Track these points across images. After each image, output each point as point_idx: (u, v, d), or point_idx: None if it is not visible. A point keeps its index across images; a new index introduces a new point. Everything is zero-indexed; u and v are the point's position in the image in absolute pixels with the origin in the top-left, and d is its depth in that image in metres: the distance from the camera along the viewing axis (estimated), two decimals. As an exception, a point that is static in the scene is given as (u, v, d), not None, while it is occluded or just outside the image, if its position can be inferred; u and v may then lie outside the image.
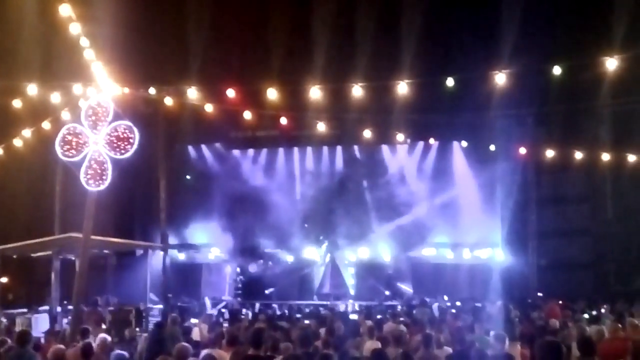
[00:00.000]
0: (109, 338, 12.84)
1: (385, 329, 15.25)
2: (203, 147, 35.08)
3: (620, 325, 12.86)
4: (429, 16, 22.57)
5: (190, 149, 34.66)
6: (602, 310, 21.15)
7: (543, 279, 30.23)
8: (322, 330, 14.32)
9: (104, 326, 19.83)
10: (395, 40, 22.28)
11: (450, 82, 18.39)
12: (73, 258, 23.51)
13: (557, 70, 17.91)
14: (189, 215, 33.14)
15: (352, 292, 32.45)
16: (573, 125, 28.22)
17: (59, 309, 23.46)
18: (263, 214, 33.30)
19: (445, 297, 28.37)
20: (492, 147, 26.84)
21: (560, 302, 23.35)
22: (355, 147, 34.11)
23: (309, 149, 34.84)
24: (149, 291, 24.32)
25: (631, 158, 24.73)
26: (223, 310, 26.93)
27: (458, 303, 27.04)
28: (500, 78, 17.88)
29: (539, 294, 28.34)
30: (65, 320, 21.30)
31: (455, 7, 24.10)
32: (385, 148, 33.75)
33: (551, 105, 26.16)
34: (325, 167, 34.96)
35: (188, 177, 34.05)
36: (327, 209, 33.44)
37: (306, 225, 34.10)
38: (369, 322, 16.18)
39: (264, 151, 35.43)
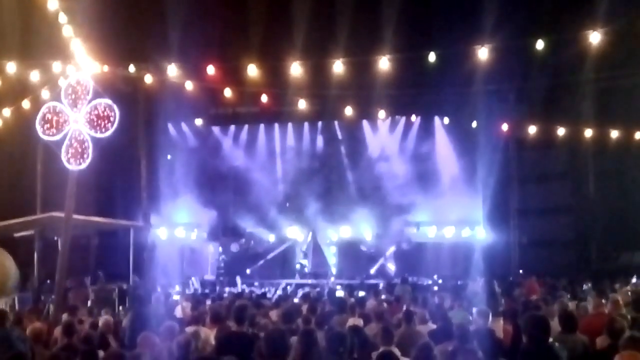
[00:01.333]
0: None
1: (368, 306, 15.29)
2: (183, 124, 34.85)
3: (603, 301, 12.93)
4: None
5: (170, 126, 34.40)
6: (585, 287, 21.27)
7: (525, 257, 30.39)
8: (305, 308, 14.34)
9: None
10: (376, 15, 22.19)
11: (431, 57, 18.31)
12: (55, 238, 23.36)
13: (539, 44, 17.86)
14: (171, 194, 32.94)
15: (333, 270, 32.49)
16: (555, 101, 28.28)
17: (42, 288, 23.35)
18: (244, 193, 33.28)
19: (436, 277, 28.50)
20: (474, 124, 26.86)
21: (536, 277, 23.51)
22: (337, 125, 34.01)
23: (290, 126, 34.71)
24: (132, 270, 24.25)
25: (614, 134, 24.83)
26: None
27: (440, 281, 27.18)
28: (482, 53, 17.82)
29: (520, 272, 28.52)
30: (49, 299, 21.20)
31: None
32: (366, 125, 33.69)
33: (533, 81, 26.13)
34: (307, 145, 34.88)
35: (169, 156, 33.83)
36: (308, 187, 33.38)
37: (287, 204, 34.08)
38: (351, 300, 16.23)
39: (245, 128, 35.26)
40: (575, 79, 25.59)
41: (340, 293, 21.40)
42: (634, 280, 22.03)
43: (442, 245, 31.70)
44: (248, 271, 31.93)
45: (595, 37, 16.86)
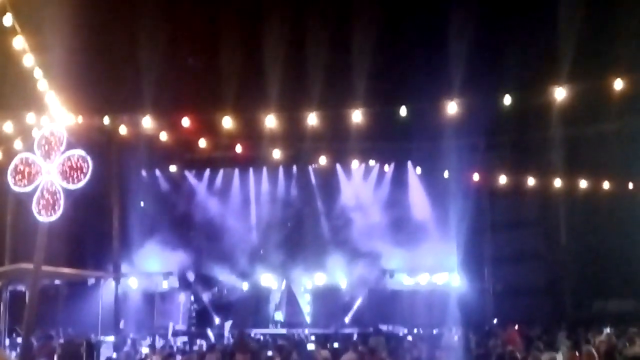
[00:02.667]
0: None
1: (344, 358, 15.22)
2: (157, 171, 34.70)
3: (577, 354, 12.95)
4: (382, 46, 22.82)
5: (144, 173, 34.21)
6: (560, 337, 21.27)
7: (499, 305, 30.41)
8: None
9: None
10: (349, 69, 22.48)
11: (403, 111, 18.54)
12: (23, 289, 23.04)
13: (507, 99, 18.20)
14: (143, 242, 32.67)
15: (308, 319, 32.28)
16: (525, 150, 28.66)
17: (7, 341, 22.92)
18: (218, 240, 33.09)
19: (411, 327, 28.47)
20: (446, 174, 27.09)
21: (517, 327, 23.52)
22: (311, 172, 34.06)
23: (265, 172, 34.68)
24: (100, 323, 23.90)
25: (582, 183, 25.20)
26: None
27: (415, 330, 27.10)
28: (452, 107, 18.13)
29: (495, 321, 28.53)
30: (14, 354, 20.81)
31: (407, 38, 24.43)
32: (340, 172, 33.76)
33: (503, 132, 26.52)
34: (281, 192, 34.84)
35: (142, 203, 33.62)
36: (282, 234, 33.31)
37: (261, 251, 33.92)
38: (325, 352, 16.14)
39: (220, 173, 35.16)
40: (543, 131, 25.98)
41: (311, 346, 21.23)
42: (607, 330, 22.08)
43: (416, 293, 31.62)
44: (221, 321, 31.58)
45: (560, 93, 17.28)
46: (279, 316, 32.26)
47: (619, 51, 21.72)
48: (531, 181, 25.66)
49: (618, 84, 17.28)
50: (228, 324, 30.69)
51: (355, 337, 24.18)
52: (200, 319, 31.79)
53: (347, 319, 31.35)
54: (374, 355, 16.46)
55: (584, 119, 24.01)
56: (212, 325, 29.93)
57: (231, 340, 25.52)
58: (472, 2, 22.52)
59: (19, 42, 15.28)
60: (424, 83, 22.50)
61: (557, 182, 25.46)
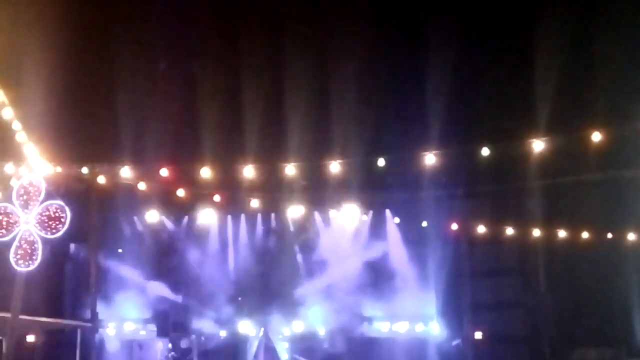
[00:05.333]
0: None
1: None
2: (135, 219, 34.65)
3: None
4: (359, 97, 23.10)
5: (122, 220, 34.14)
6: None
7: (479, 353, 30.33)
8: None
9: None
10: (326, 121, 22.72)
11: (381, 162, 18.75)
12: (0, 338, 22.86)
13: (485, 151, 18.45)
14: (121, 289, 32.53)
15: (286, 368, 32.13)
16: (503, 200, 28.87)
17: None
18: (196, 287, 32.97)
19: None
20: (424, 224, 27.26)
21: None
22: (289, 220, 34.08)
23: (243, 220, 34.66)
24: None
25: (561, 233, 25.45)
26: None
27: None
28: (430, 158, 18.36)
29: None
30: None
31: (385, 89, 24.72)
32: (319, 220, 33.78)
33: (481, 182, 26.74)
34: (259, 240, 34.80)
35: (120, 250, 33.52)
36: (261, 281, 33.23)
37: (240, 298, 33.80)
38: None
39: (198, 220, 35.11)
40: (521, 181, 26.23)
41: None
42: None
43: (395, 341, 31.57)
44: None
45: (538, 145, 17.54)
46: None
47: (598, 102, 22.09)
48: (510, 230, 25.86)
49: (596, 136, 17.59)
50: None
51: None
52: (178, 367, 31.56)
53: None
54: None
55: (562, 169, 24.24)
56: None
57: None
58: (449, 52, 22.87)
59: (-2, 96, 15.45)
60: (402, 133, 22.83)
61: (536, 232, 25.67)
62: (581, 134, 17.60)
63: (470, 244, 30.89)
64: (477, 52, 24.17)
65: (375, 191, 27.24)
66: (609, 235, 26.15)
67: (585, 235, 25.67)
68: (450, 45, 22.55)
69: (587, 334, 28.28)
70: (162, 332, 33.07)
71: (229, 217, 34.48)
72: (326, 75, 23.18)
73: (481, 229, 25.70)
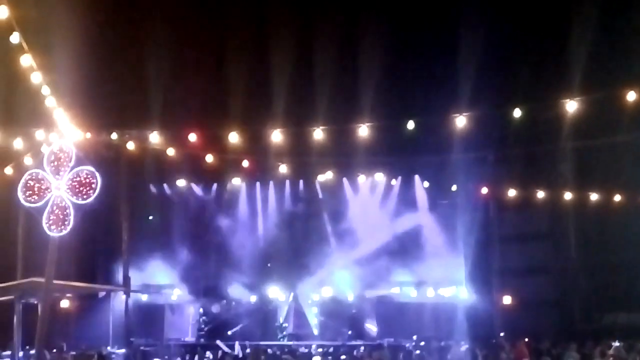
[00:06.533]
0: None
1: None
2: (165, 185, 34.84)
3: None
4: (389, 60, 22.87)
5: (152, 188, 34.35)
6: (569, 351, 21.16)
7: (507, 318, 30.27)
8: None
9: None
10: (355, 84, 22.55)
11: (410, 125, 18.58)
12: (36, 302, 23.21)
13: (517, 112, 18.19)
14: (152, 255, 32.81)
15: (315, 332, 32.30)
16: (534, 164, 28.59)
17: (21, 353, 23.05)
18: (226, 253, 33.18)
19: (414, 338, 28.39)
20: (454, 187, 27.08)
21: (527, 340, 23.45)
22: (318, 186, 34.07)
23: (272, 186, 34.74)
24: (111, 335, 24.03)
25: (593, 196, 25.15)
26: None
27: (422, 343, 27.05)
28: (460, 121, 18.14)
29: (502, 334, 28.43)
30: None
31: (415, 51, 24.45)
32: (347, 186, 33.75)
33: (512, 145, 26.46)
34: (288, 205, 34.87)
35: (150, 217, 33.78)
36: (290, 247, 33.36)
37: (269, 264, 33.98)
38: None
39: (227, 187, 35.22)
40: (553, 143, 25.92)
41: (316, 358, 21.27)
42: (616, 344, 22.00)
43: (424, 306, 31.54)
44: (230, 332, 31.64)
45: (571, 106, 17.24)
46: (287, 329, 32.27)
47: (632, 62, 21.70)
48: (541, 194, 25.60)
49: (631, 96, 17.24)
50: (237, 336, 30.79)
51: (361, 349, 24.19)
52: (209, 331, 31.88)
53: (352, 332, 31.35)
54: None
55: (595, 131, 23.84)
56: (220, 338, 29.94)
57: (240, 353, 25.53)
58: (481, 13, 22.52)
59: (26, 60, 15.45)
60: (432, 96, 22.58)
61: (568, 195, 25.38)
62: (616, 94, 17.24)
63: (500, 208, 30.71)
64: (509, 12, 23.79)
65: (404, 155, 27.07)
66: (641, 199, 25.79)
67: (617, 198, 25.28)
68: (482, 5, 22.21)
69: (617, 298, 28.05)
70: (193, 297, 33.45)
71: (258, 183, 34.62)
72: (355, 39, 22.99)
73: (511, 193, 25.44)
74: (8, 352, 23.38)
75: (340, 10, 23.52)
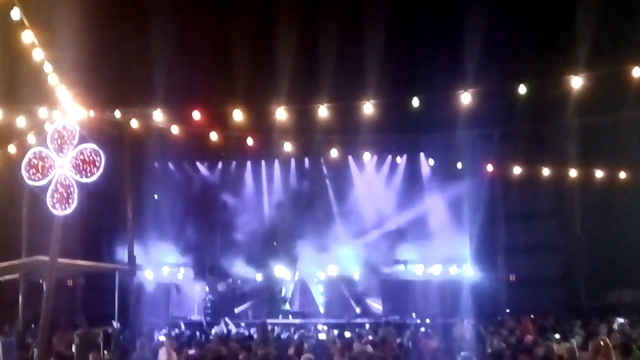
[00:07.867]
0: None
1: (355, 349, 15.31)
2: (169, 164, 34.84)
3: (591, 343, 12.96)
4: (393, 36, 22.73)
5: (157, 166, 34.35)
6: (574, 327, 21.17)
7: (513, 295, 30.37)
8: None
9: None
10: (360, 61, 22.43)
11: (415, 102, 18.45)
12: (41, 281, 23.23)
13: (522, 89, 18.05)
14: (157, 234, 32.86)
15: (321, 310, 32.39)
16: (539, 141, 28.50)
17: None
18: (231, 231, 33.25)
19: (414, 315, 28.48)
20: (459, 165, 27.01)
21: (532, 316, 23.51)
22: (323, 164, 34.04)
23: (277, 165, 34.73)
24: (117, 314, 24.05)
25: (598, 173, 25.05)
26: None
27: (427, 320, 27.11)
28: (466, 97, 18.00)
29: (507, 311, 28.49)
30: (34, 344, 21.00)
31: (419, 28, 24.31)
32: (352, 164, 33.71)
33: (517, 122, 26.35)
34: (293, 183, 34.88)
35: (155, 196, 33.80)
36: (295, 225, 33.39)
37: (274, 242, 34.03)
38: (339, 343, 16.22)
39: (232, 165, 35.24)
40: (558, 120, 25.81)
41: (322, 336, 21.32)
42: (621, 320, 22.02)
43: (429, 283, 31.63)
44: (236, 310, 31.76)
45: (576, 82, 17.10)
46: (293, 306, 32.38)
47: (637, 38, 21.52)
48: (546, 171, 25.49)
49: (636, 72, 17.07)
50: (243, 315, 30.91)
51: (367, 327, 24.26)
52: (215, 309, 31.97)
53: (358, 310, 31.46)
54: (384, 344, 16.54)
55: (600, 107, 23.69)
56: (227, 316, 30.02)
57: (246, 331, 25.60)
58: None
59: (27, 36, 15.31)
60: (437, 73, 22.45)
61: (573, 172, 25.28)
62: (621, 70, 17.07)
63: (506, 187, 30.69)
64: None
65: (409, 133, 27.01)
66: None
67: (622, 175, 25.17)
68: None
69: (622, 275, 28.07)
70: (199, 276, 33.54)
71: (263, 162, 34.60)
72: (360, 15, 22.85)
73: (517, 171, 25.33)
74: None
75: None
